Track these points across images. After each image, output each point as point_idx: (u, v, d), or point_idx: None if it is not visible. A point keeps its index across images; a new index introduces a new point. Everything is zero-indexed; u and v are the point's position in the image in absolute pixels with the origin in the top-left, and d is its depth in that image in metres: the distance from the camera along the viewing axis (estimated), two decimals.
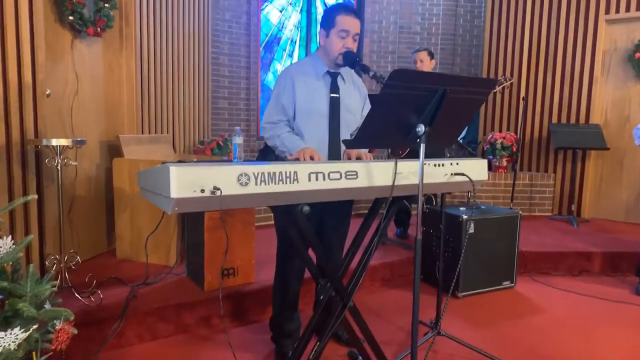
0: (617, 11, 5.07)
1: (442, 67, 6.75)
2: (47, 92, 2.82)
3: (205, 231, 2.79)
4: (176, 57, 4.30)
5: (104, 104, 3.49)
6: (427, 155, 1.96)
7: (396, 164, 1.86)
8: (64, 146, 2.55)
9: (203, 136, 4.95)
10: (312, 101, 2.22)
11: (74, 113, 3.15)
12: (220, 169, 1.47)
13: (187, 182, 1.41)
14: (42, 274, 2.69)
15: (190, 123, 4.67)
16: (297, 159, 2.04)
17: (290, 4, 6.73)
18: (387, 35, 6.77)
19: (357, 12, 2.22)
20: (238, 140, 3.05)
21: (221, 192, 1.44)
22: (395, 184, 1.86)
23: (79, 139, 2.63)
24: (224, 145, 4.52)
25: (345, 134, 2.27)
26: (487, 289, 3.41)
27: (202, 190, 1.43)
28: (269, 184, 1.56)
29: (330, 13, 2.20)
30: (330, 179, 1.72)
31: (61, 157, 2.57)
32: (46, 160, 2.62)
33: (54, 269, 2.58)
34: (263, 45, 6.56)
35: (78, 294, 2.55)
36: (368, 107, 2.37)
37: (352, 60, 2.15)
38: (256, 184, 1.54)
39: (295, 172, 1.63)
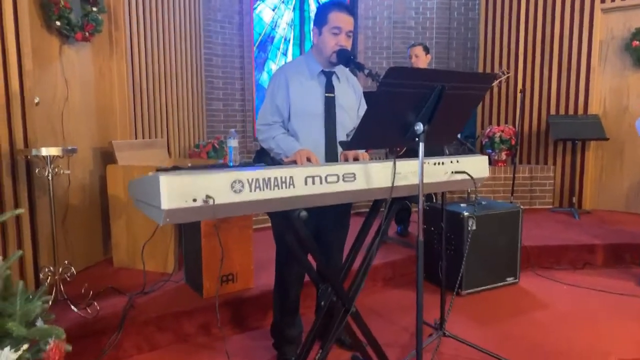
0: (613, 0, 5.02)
1: (437, 61, 6.69)
2: (36, 100, 2.76)
3: (203, 237, 2.74)
4: (168, 60, 4.23)
5: (95, 109, 3.43)
6: (427, 154, 1.91)
7: (395, 164, 1.81)
8: (54, 156, 2.49)
9: (198, 139, 4.89)
10: (307, 101, 2.17)
11: (64, 120, 3.09)
12: (213, 176, 1.42)
13: (178, 191, 1.36)
14: (37, 287, 2.65)
15: (185, 126, 4.61)
16: (293, 161, 1.99)
17: (283, 2, 6.66)
18: (381, 31, 6.71)
19: (350, 8, 2.16)
20: (233, 143, 3.00)
21: (214, 200, 1.38)
22: (395, 184, 1.81)
23: (69, 148, 2.57)
24: (219, 147, 4.46)
25: (341, 134, 2.22)
26: (491, 286, 3.36)
27: (194, 200, 1.38)
28: (264, 190, 1.51)
29: (323, 10, 2.14)
30: (328, 182, 1.66)
31: (52, 166, 2.51)
32: (36, 171, 2.56)
33: (48, 281, 2.52)
34: (256, 45, 6.50)
35: (74, 306, 2.49)
36: (364, 106, 2.32)
37: (347, 58, 2.10)
38: (251, 190, 1.48)
39: (291, 177, 1.57)
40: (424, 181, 1.82)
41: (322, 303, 1.94)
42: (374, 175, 1.77)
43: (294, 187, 1.57)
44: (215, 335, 2.66)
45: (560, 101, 5.41)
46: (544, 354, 2.45)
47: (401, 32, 6.73)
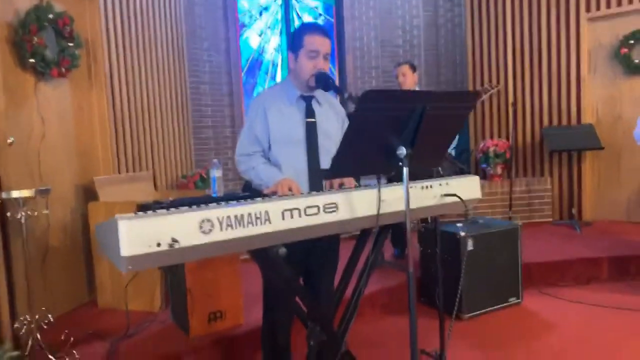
0: (598, 8, 4.99)
1: (427, 78, 6.66)
2: (10, 140, 2.67)
3: (187, 273, 2.61)
4: (151, 91, 4.16)
5: (75, 146, 3.34)
6: (419, 176, 1.81)
7: (379, 190, 1.70)
8: (26, 197, 2.38)
9: (186, 169, 4.79)
10: (287, 128, 2.07)
11: (42, 159, 2.99)
12: (178, 217, 1.31)
13: (140, 236, 1.24)
14: (13, 337, 2.51)
15: (172, 157, 4.52)
16: (274, 192, 1.88)
17: (269, 27, 6.66)
18: (369, 51, 6.70)
19: (326, 29, 2.09)
20: (216, 173, 2.89)
21: (179, 244, 1.27)
22: (381, 212, 1.70)
23: (42, 188, 2.47)
24: (207, 177, 4.36)
25: (325, 160, 2.11)
26: (493, 308, 3.22)
27: (159, 245, 1.26)
28: (236, 228, 1.40)
29: (298, 34, 2.06)
30: (307, 215, 1.55)
31: (25, 208, 2.39)
32: (8, 214, 2.44)
33: (23, 330, 2.38)
34: (245, 71, 6.47)
35: (52, 356, 2.35)
36: None
37: (325, 81, 2.01)
38: (221, 229, 1.37)
39: (266, 212, 1.46)
40: (412, 206, 1.71)
41: (311, 343, 1.81)
42: (358, 203, 1.66)
43: (269, 222, 1.46)
44: None
45: (553, 112, 5.34)
46: None
47: (389, 52, 6.72)
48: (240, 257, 2.86)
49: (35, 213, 2.56)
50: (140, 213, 1.32)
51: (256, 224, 1.43)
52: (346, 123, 2.27)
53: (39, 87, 3.01)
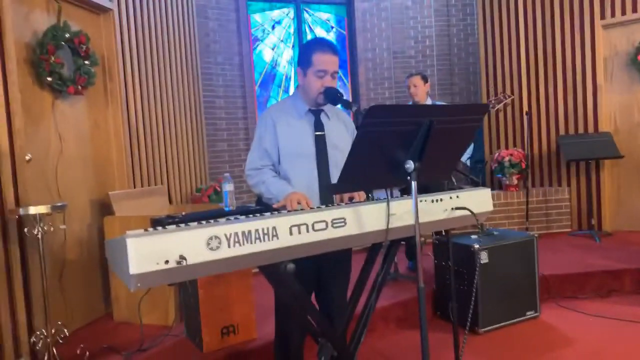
0: (613, 15, 4.93)
1: (440, 88, 6.64)
2: (28, 157, 2.73)
3: (199, 288, 2.62)
4: (165, 107, 4.23)
5: (92, 162, 3.40)
6: (427, 189, 1.79)
7: (388, 204, 1.69)
8: (43, 213, 2.43)
9: (200, 182, 4.83)
10: (296, 142, 2.08)
11: (59, 175, 3.05)
12: (186, 233, 1.32)
13: (149, 253, 1.25)
14: (31, 352, 2.54)
15: (186, 171, 4.57)
16: (284, 207, 1.88)
17: (282, 41, 6.73)
18: (381, 62, 6.71)
19: (334, 46, 2.10)
20: (228, 187, 2.90)
21: (187, 261, 1.28)
22: (390, 226, 1.69)
23: (58, 204, 2.51)
24: (221, 190, 4.39)
25: (336, 174, 2.10)
26: (510, 322, 3.15)
27: (167, 262, 1.27)
28: (244, 244, 1.40)
29: (306, 51, 2.08)
30: (315, 230, 1.55)
31: (42, 224, 2.44)
32: (25, 230, 2.49)
33: (40, 345, 2.42)
34: (258, 84, 6.53)
35: None
36: None
37: (334, 97, 2.01)
38: (229, 246, 1.37)
39: (274, 227, 1.46)
40: (422, 220, 1.69)
41: (322, 358, 1.79)
42: (366, 218, 1.66)
43: (277, 238, 1.46)
44: None
45: (569, 121, 5.26)
46: None
47: (402, 62, 6.71)
48: (253, 271, 2.86)
49: (52, 228, 2.61)
50: (150, 230, 1.33)
51: (264, 240, 1.43)
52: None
53: (56, 105, 3.08)
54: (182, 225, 1.38)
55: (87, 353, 2.57)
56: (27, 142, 2.74)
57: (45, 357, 2.45)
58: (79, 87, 3.10)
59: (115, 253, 1.36)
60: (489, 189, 2.06)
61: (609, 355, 2.67)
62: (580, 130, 5.18)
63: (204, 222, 1.43)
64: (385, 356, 2.85)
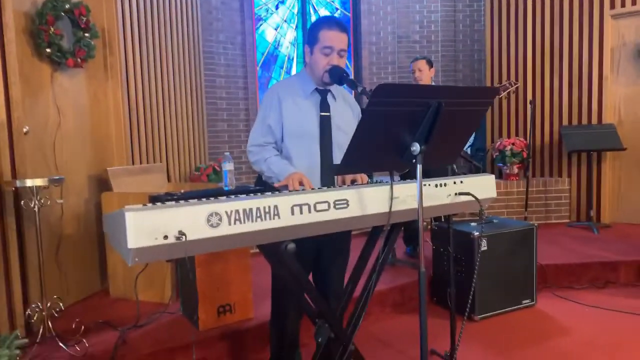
0: (623, 5, 4.85)
1: (444, 74, 6.57)
2: (25, 130, 2.68)
3: (197, 266, 2.61)
4: (166, 83, 4.17)
5: (90, 136, 3.36)
6: (434, 174, 1.76)
7: (392, 187, 1.66)
8: (40, 186, 2.40)
9: (200, 162, 4.80)
10: (301, 121, 2.05)
11: (57, 148, 3.01)
12: (186, 209, 1.29)
13: (147, 228, 1.23)
14: (26, 325, 2.53)
15: (186, 149, 4.53)
16: (285, 186, 1.86)
17: (285, 21, 6.62)
18: (385, 46, 6.62)
19: (343, 24, 2.05)
20: (228, 166, 2.87)
21: (186, 237, 1.25)
22: (393, 209, 1.67)
23: (56, 177, 2.48)
24: (220, 170, 4.36)
25: (339, 156, 2.07)
26: (506, 309, 3.16)
27: (166, 237, 1.25)
28: (244, 222, 1.38)
29: (314, 28, 2.03)
30: (317, 211, 1.53)
31: (38, 197, 2.41)
32: (22, 202, 2.46)
33: (35, 318, 2.41)
34: (260, 65, 6.45)
35: (63, 344, 2.37)
36: None
37: (339, 76, 1.97)
38: (230, 223, 1.35)
39: (275, 206, 1.44)
40: (425, 204, 1.68)
41: (320, 340, 1.79)
42: (369, 200, 1.63)
43: (279, 217, 1.44)
44: None
45: (573, 111, 5.22)
46: None
47: (406, 47, 6.63)
48: (251, 251, 2.84)
49: (49, 202, 2.58)
50: (149, 205, 1.31)
51: (265, 219, 1.41)
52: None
53: (55, 77, 3.02)
54: (182, 201, 1.36)
55: (83, 327, 2.56)
56: (25, 114, 2.70)
57: (40, 331, 2.44)
58: (79, 59, 3.04)
59: (114, 227, 1.33)
60: (493, 176, 2.03)
61: (603, 345, 2.68)
62: (584, 121, 5.14)
63: (204, 199, 1.40)
64: (381, 340, 2.85)
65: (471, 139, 4.72)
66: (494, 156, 5.31)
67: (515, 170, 5.21)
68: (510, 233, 3.17)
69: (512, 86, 4.73)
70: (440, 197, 1.83)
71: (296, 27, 6.68)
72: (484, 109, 1.65)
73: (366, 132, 1.46)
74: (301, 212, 1.48)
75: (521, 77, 5.50)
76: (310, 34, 2.05)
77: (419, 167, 1.53)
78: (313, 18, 6.66)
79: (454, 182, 1.87)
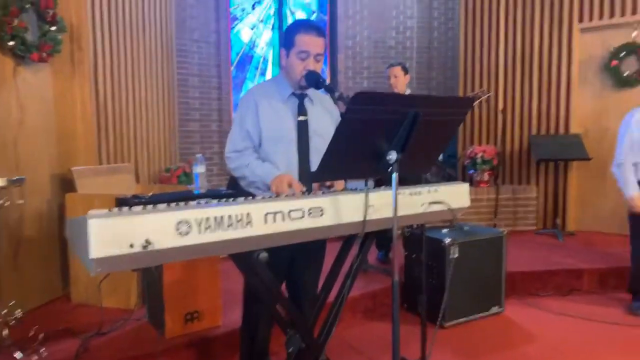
0: (591, 19, 5.01)
1: (418, 81, 6.63)
2: None
3: (164, 271, 2.53)
4: (137, 81, 4.05)
5: (55, 134, 3.22)
6: (404, 182, 1.75)
7: (367, 195, 1.64)
8: None
9: (170, 162, 4.69)
10: (278, 125, 2.01)
11: (18, 146, 2.88)
12: (154, 216, 1.23)
13: (112, 236, 1.17)
14: None
15: (156, 149, 4.41)
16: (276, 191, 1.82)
17: (261, 21, 6.56)
18: (361, 51, 6.64)
19: (319, 28, 2.02)
20: (200, 169, 2.80)
21: (153, 246, 1.20)
22: (368, 218, 1.65)
23: (15, 178, 2.36)
24: (191, 172, 4.26)
25: (317, 161, 2.03)
26: (475, 316, 3.19)
27: (131, 246, 1.19)
28: (215, 230, 1.33)
29: (290, 32, 2.00)
30: (292, 219, 1.49)
31: None
32: None
33: None
34: (234, 65, 6.36)
35: (20, 352, 2.25)
36: None
37: (316, 81, 1.94)
38: (199, 232, 1.30)
39: (248, 214, 1.40)
40: (400, 213, 1.66)
41: (291, 350, 1.75)
42: (344, 208, 1.61)
43: (251, 226, 1.40)
44: None
45: (542, 120, 5.35)
46: None
47: (382, 52, 6.66)
48: (220, 256, 2.78)
49: (8, 203, 2.45)
50: (114, 210, 1.24)
51: (237, 227, 1.37)
52: None
53: (18, 72, 2.89)
54: (150, 206, 1.30)
55: (42, 335, 2.44)
56: None
57: None
58: (44, 54, 2.92)
59: (76, 233, 1.26)
60: (467, 184, 2.04)
61: (569, 352, 2.74)
62: (552, 130, 5.27)
63: (172, 204, 1.35)
64: (352, 346, 2.84)
65: None
66: (465, 163, 5.39)
67: (486, 177, 5.30)
68: (480, 240, 3.21)
69: (483, 95, 4.81)
70: (414, 206, 1.82)
71: (272, 28, 6.62)
72: (460, 119, 1.65)
73: (343, 139, 1.44)
74: (274, 221, 1.45)
75: (493, 86, 5.61)
76: (286, 37, 2.02)
77: (395, 176, 1.51)
78: (290, 20, 6.62)
79: (428, 191, 1.86)
